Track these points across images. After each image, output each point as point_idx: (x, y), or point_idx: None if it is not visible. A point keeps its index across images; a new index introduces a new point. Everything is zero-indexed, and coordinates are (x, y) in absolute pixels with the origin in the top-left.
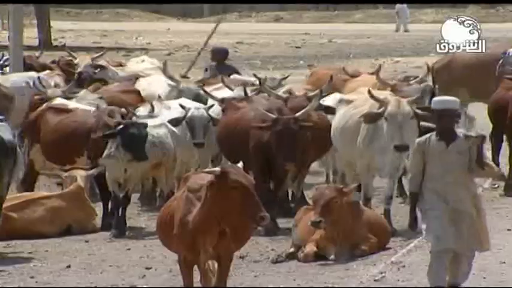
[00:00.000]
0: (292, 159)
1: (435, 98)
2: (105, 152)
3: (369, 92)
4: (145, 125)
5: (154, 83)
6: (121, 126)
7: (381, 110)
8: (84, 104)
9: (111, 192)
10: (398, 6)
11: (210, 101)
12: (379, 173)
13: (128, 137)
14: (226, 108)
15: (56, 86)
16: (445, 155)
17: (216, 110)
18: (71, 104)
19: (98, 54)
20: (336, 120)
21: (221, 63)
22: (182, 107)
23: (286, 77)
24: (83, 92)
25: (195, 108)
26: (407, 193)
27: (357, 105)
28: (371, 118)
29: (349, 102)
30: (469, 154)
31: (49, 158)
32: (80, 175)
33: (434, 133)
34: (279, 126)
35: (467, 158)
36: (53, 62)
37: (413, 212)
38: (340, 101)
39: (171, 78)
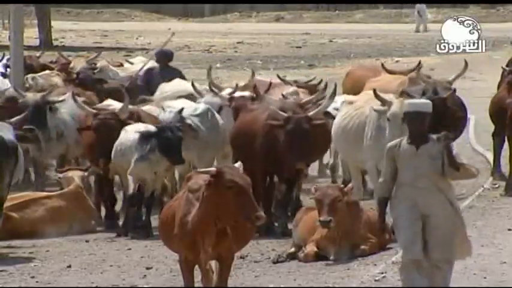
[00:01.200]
0: (304, 159)
1: (406, 100)
2: (137, 154)
3: (374, 91)
4: (179, 128)
5: (176, 87)
6: (157, 129)
7: (384, 108)
8: (69, 108)
9: (132, 193)
10: (418, 6)
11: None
12: None
13: (165, 141)
14: (237, 109)
15: (56, 86)
16: (415, 158)
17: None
18: (118, 105)
19: (92, 56)
20: (337, 121)
21: (165, 66)
22: (163, 108)
23: (311, 80)
24: (65, 97)
25: (169, 111)
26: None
27: (357, 106)
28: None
29: (350, 103)
30: (441, 157)
31: (88, 158)
32: (77, 175)
33: (406, 137)
34: (291, 125)
35: (440, 162)
36: (51, 62)
37: (382, 216)
38: (342, 102)
39: (214, 86)
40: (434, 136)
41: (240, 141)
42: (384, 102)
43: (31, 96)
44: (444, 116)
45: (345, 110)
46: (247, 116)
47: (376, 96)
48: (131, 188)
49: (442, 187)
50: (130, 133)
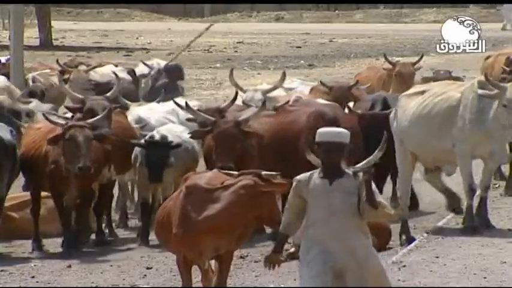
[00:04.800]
0: None
1: (320, 129)
2: (140, 160)
3: (485, 75)
4: (168, 144)
5: None
6: (145, 142)
7: (495, 93)
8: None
9: (143, 200)
10: (506, 6)
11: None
12: (487, 160)
13: (147, 157)
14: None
15: (53, 85)
16: (328, 194)
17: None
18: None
19: (90, 68)
20: (410, 113)
21: (173, 82)
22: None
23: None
24: (34, 103)
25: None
26: None
27: (438, 92)
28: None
29: (417, 94)
30: (357, 193)
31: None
32: None
33: (318, 170)
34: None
35: (356, 198)
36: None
37: (278, 249)
38: (403, 97)
39: (236, 86)
40: (350, 170)
41: (278, 145)
42: (495, 86)
43: (5, 99)
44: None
45: (416, 101)
46: (285, 118)
47: (488, 80)
48: (139, 196)
49: (359, 229)
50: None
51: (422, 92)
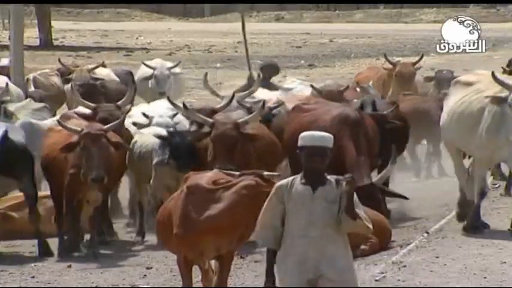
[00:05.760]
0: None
1: (303, 133)
2: (157, 158)
3: (493, 74)
4: (187, 134)
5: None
6: (168, 133)
7: (505, 95)
8: (28, 113)
9: (155, 200)
10: None
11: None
12: (508, 164)
13: (174, 146)
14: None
15: (54, 85)
16: (310, 202)
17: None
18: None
19: (93, 66)
20: (451, 105)
21: (268, 80)
22: (145, 115)
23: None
24: (26, 102)
25: (158, 116)
26: None
27: (480, 89)
28: (497, 103)
29: (467, 84)
30: (339, 203)
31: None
32: None
33: (299, 175)
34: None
35: (337, 208)
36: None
37: (271, 268)
38: (455, 84)
39: (213, 92)
40: (333, 178)
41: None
42: (504, 86)
43: None
44: (384, 133)
45: (461, 93)
46: (305, 117)
47: (496, 79)
48: (156, 198)
49: (339, 239)
50: (148, 136)
51: (471, 84)
